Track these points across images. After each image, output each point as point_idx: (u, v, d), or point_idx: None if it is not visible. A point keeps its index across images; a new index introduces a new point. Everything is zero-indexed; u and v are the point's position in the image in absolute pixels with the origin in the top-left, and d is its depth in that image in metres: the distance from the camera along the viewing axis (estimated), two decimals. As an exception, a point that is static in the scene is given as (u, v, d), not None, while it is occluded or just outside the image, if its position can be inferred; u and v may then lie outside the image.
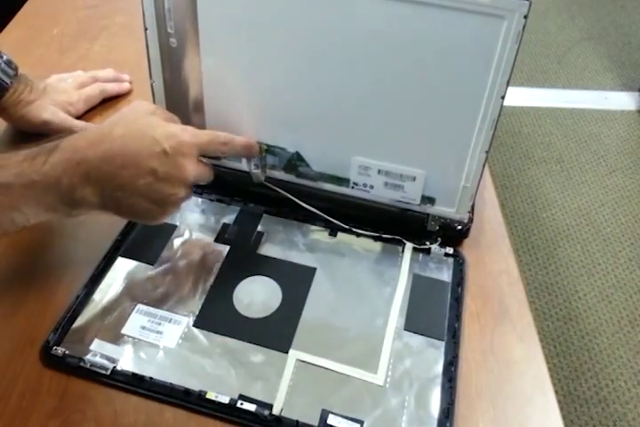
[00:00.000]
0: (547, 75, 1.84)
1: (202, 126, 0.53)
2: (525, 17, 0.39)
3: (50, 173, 0.40)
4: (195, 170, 0.43)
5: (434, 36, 0.41)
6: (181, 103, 0.53)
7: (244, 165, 0.54)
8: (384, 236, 0.54)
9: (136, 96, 0.51)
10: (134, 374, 0.44)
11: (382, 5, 0.41)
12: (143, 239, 0.54)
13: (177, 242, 0.54)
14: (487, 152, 0.46)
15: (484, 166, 0.47)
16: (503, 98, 0.43)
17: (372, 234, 0.54)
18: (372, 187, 0.51)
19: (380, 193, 0.52)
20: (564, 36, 1.98)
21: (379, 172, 0.50)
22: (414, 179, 0.50)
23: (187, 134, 0.43)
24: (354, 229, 0.54)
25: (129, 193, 0.42)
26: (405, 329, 0.48)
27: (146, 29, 0.48)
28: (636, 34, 2.00)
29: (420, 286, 0.51)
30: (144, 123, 0.42)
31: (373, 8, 0.41)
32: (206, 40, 0.47)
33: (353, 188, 0.52)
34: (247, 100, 0.49)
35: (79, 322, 0.48)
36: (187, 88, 0.51)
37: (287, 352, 0.46)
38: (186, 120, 0.54)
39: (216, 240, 0.54)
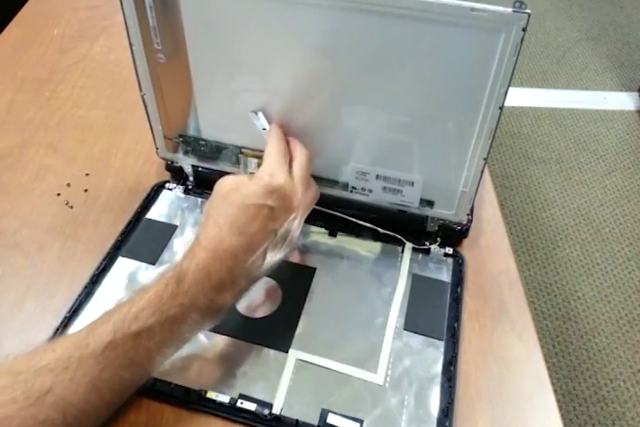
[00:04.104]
0: (546, 75, 1.85)
1: (198, 135, 0.54)
2: (524, 30, 0.38)
3: (185, 302, 0.38)
4: (305, 217, 0.44)
5: (432, 50, 0.41)
6: (174, 113, 0.53)
7: (241, 171, 0.54)
8: (382, 231, 0.54)
9: (135, 96, 0.51)
10: (135, 374, 0.44)
11: (380, 21, 0.40)
12: (144, 240, 0.54)
13: (177, 242, 0.54)
14: (485, 159, 0.46)
15: (482, 172, 0.47)
16: (502, 108, 0.42)
17: (372, 226, 0.54)
18: (370, 191, 0.52)
19: (379, 197, 0.52)
20: (564, 37, 1.99)
21: (377, 177, 0.50)
22: (412, 184, 0.50)
23: (280, 179, 0.41)
24: (354, 220, 0.54)
25: (262, 264, 0.41)
26: (405, 329, 0.48)
27: (132, 45, 0.47)
28: (635, 34, 2.00)
29: (419, 286, 0.51)
30: (238, 205, 0.40)
31: (372, 23, 0.40)
32: (195, 55, 0.47)
33: (352, 191, 0.52)
34: (241, 110, 0.49)
35: (80, 322, 0.48)
36: (179, 99, 0.51)
37: (287, 352, 0.46)
38: (181, 129, 0.54)
39: (216, 240, 0.54)
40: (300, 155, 0.45)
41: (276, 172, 0.41)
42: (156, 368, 0.40)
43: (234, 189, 0.41)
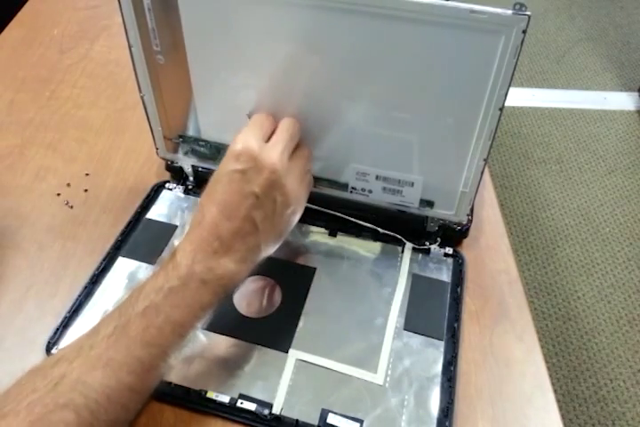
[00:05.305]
0: (546, 75, 1.85)
1: (197, 135, 0.54)
2: (524, 32, 0.38)
3: (182, 272, 0.39)
4: (295, 190, 0.42)
5: (432, 52, 0.41)
6: (174, 114, 0.53)
7: None
8: (382, 231, 0.54)
9: (135, 96, 0.51)
10: (135, 374, 0.44)
11: (381, 23, 0.40)
12: (144, 239, 0.54)
13: (177, 242, 0.54)
14: (485, 160, 0.46)
15: (482, 173, 0.47)
16: (502, 109, 0.42)
17: (372, 226, 0.54)
18: (370, 191, 0.52)
19: (379, 197, 0.52)
20: (564, 37, 1.99)
21: (377, 177, 0.50)
22: (412, 184, 0.50)
23: (245, 143, 0.41)
24: (354, 220, 0.54)
25: (254, 230, 0.41)
26: (405, 329, 0.48)
27: (130, 47, 0.47)
28: (635, 34, 2.00)
29: (419, 286, 0.51)
30: (215, 178, 0.42)
31: (372, 25, 0.40)
32: (194, 56, 0.47)
33: (352, 192, 0.52)
34: (241, 110, 0.49)
35: (80, 322, 0.48)
36: (178, 100, 0.51)
37: (287, 352, 0.46)
38: (180, 130, 0.54)
39: (216, 240, 0.54)
40: (301, 146, 0.45)
41: (240, 137, 0.42)
42: (173, 349, 0.39)
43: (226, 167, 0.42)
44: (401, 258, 0.54)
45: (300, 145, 0.45)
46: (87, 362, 0.36)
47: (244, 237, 0.41)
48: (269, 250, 0.43)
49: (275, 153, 0.41)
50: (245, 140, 0.41)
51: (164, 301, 0.38)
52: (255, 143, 0.41)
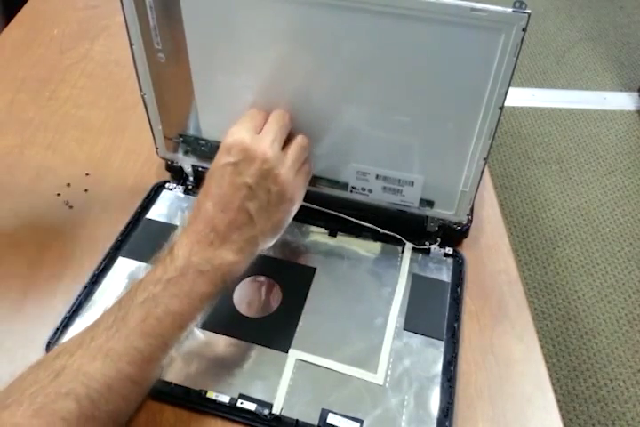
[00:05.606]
0: (546, 75, 1.85)
1: (198, 135, 0.54)
2: (524, 30, 0.38)
3: (179, 264, 0.39)
4: (290, 180, 0.42)
5: (432, 50, 0.41)
6: (175, 113, 0.53)
7: None
8: (382, 231, 0.54)
9: (135, 96, 0.51)
10: (135, 374, 0.44)
11: (381, 21, 0.40)
12: (144, 239, 0.54)
13: (177, 242, 0.54)
14: (486, 159, 0.46)
15: (482, 172, 0.47)
16: (502, 108, 0.42)
17: (372, 226, 0.54)
18: (370, 191, 0.52)
19: (379, 197, 0.52)
20: (564, 37, 1.99)
21: (377, 177, 0.50)
22: (412, 184, 0.50)
23: (235, 135, 0.41)
24: (354, 220, 0.54)
25: (250, 221, 0.41)
26: (405, 329, 0.48)
27: (132, 45, 0.47)
28: (635, 34, 2.00)
29: (419, 286, 0.51)
30: (209, 173, 0.42)
31: (372, 23, 0.40)
32: (195, 54, 0.47)
33: (352, 191, 0.52)
34: (242, 109, 0.49)
35: (80, 322, 0.48)
36: (179, 99, 0.51)
37: (287, 352, 0.46)
38: (181, 129, 0.54)
39: (216, 240, 0.54)
40: (296, 136, 0.45)
41: (232, 131, 0.42)
42: (174, 341, 0.39)
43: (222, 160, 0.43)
44: (401, 258, 0.54)
45: (295, 135, 0.45)
46: (88, 353, 0.36)
47: (240, 227, 0.41)
48: (268, 241, 0.44)
49: (265, 143, 0.42)
50: (237, 132, 0.42)
51: (163, 292, 0.38)
52: (246, 135, 0.42)
